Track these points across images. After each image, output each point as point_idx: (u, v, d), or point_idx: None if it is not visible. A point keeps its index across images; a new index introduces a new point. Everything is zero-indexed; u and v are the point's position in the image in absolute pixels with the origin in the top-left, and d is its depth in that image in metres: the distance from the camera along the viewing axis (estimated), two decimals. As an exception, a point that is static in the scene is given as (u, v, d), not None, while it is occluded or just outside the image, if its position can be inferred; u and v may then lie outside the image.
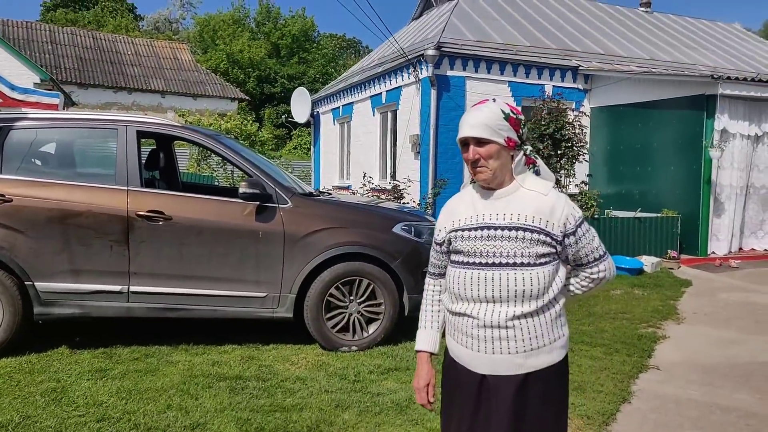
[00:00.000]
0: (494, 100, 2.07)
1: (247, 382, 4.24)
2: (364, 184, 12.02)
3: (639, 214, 10.04)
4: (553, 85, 11.73)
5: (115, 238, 4.73)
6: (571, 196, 10.80)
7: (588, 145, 10.78)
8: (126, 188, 4.81)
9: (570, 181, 10.59)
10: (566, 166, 9.97)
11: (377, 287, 5.04)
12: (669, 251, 9.76)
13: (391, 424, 3.63)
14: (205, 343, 5.11)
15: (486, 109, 2.02)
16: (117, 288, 4.77)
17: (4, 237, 4.63)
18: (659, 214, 10.06)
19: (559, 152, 9.83)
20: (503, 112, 2.02)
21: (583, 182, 10.62)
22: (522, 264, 1.97)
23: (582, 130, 10.18)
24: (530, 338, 1.99)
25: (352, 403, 3.92)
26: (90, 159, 5.63)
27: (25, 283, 4.67)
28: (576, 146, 9.98)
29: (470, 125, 2.01)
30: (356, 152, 14.76)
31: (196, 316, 4.91)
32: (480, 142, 2.01)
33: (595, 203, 9.95)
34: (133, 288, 4.79)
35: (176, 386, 4.14)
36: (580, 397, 4.11)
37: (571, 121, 10.08)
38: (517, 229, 1.99)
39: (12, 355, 4.68)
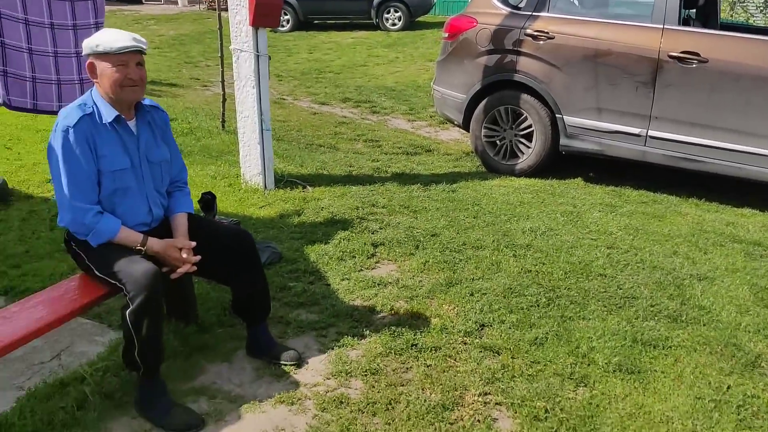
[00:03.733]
0: None
1: (767, 251, 3.85)
2: None
3: None
4: None
5: (641, 79, 4.69)
6: None
7: None
8: (661, 26, 4.62)
9: None
10: None
11: None
12: None
13: None
14: (718, 202, 4.80)
15: None
16: (635, 131, 4.82)
17: (545, 72, 5.12)
18: None
19: None
20: None
21: None
22: None
23: None
24: None
25: None
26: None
27: (556, 116, 5.16)
28: None
29: None
30: None
31: (715, 172, 4.60)
32: None
33: None
34: (651, 132, 4.75)
35: (683, 236, 4.07)
36: None
37: None
38: None
39: (538, 177, 5.37)
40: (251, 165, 4.65)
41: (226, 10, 4.34)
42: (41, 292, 2.27)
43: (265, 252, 3.50)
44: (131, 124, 2.40)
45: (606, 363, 2.62)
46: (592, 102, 4.96)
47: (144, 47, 2.29)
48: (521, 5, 5.41)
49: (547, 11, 5.17)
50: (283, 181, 4.87)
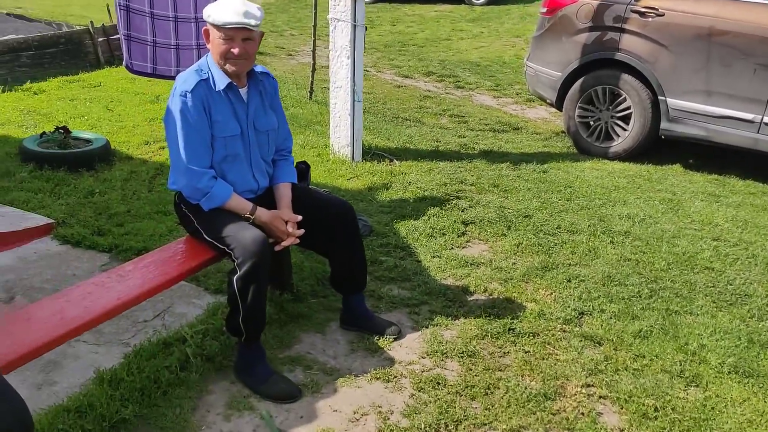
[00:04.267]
0: None
1: None
2: None
3: None
4: None
5: (761, 61, 4.34)
6: None
7: None
8: (789, 4, 4.24)
9: None
10: None
11: None
12: None
13: None
14: (838, 197, 4.43)
15: None
16: (749, 116, 4.48)
17: (650, 51, 4.81)
18: None
19: None
20: None
21: None
22: None
23: None
24: None
25: None
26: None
27: (659, 98, 4.86)
28: None
29: None
30: None
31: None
32: None
33: None
34: (767, 119, 4.41)
35: (800, 232, 3.77)
36: None
37: None
38: None
39: (633, 161, 5.10)
40: (341, 136, 4.63)
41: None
42: (152, 253, 2.32)
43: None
44: (243, 91, 2.39)
45: (719, 363, 2.45)
46: (700, 84, 4.64)
47: (253, 24, 2.24)
48: (628, -22, 5.10)
49: (655, -15, 4.85)
50: (370, 153, 4.83)
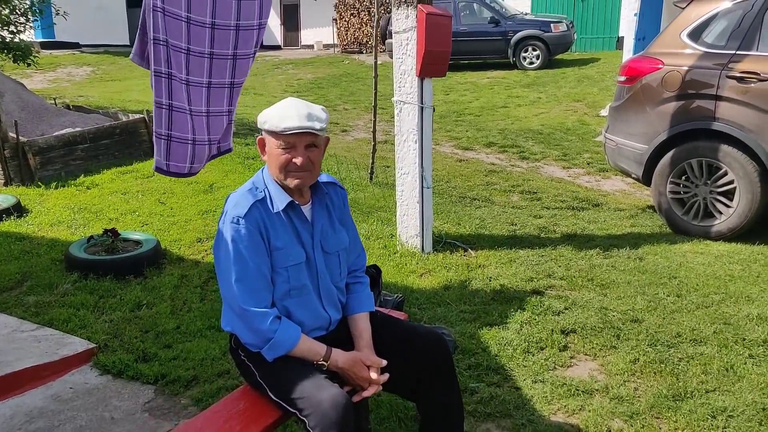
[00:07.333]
0: None
1: None
2: None
3: None
4: None
5: None
6: None
7: None
8: None
9: None
10: None
11: None
12: None
13: None
14: None
15: None
16: None
17: (754, 120, 4.26)
18: None
19: None
20: None
21: None
22: None
23: None
24: None
25: None
26: None
27: (769, 169, 4.27)
28: None
29: None
30: None
31: None
32: None
33: None
34: None
35: None
36: None
37: None
38: None
39: (740, 241, 4.46)
40: (409, 226, 4.19)
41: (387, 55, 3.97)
42: (201, 416, 1.85)
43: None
44: (306, 208, 1.97)
45: None
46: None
47: (317, 128, 1.86)
48: (721, 43, 4.60)
49: (757, 49, 4.34)
50: (441, 242, 4.36)
